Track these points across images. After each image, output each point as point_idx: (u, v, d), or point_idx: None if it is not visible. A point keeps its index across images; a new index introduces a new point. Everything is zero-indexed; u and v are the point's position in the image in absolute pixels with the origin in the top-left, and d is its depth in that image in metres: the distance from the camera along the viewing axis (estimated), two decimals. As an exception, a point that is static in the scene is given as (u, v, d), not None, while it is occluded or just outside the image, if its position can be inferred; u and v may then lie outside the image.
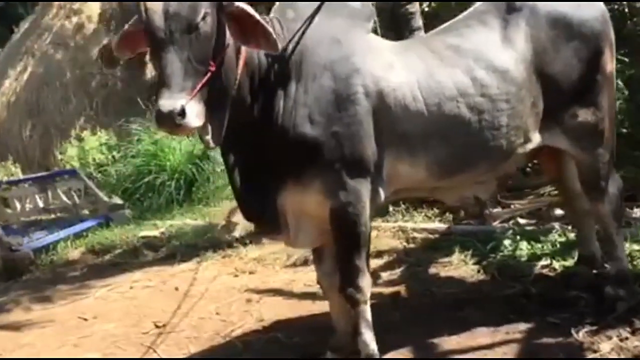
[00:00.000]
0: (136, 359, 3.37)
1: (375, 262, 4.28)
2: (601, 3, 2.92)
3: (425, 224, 4.75)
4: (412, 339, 3.06)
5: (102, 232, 6.28)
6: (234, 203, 6.29)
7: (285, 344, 3.23)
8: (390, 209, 5.01)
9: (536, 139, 2.83)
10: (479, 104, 2.63)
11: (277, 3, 2.70)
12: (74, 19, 10.19)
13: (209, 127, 2.33)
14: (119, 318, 4.00)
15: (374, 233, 4.67)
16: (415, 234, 4.61)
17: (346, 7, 2.68)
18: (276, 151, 2.51)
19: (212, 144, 2.37)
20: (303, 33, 2.54)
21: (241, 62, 2.41)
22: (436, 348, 2.98)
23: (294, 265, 4.50)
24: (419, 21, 4.80)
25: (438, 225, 4.70)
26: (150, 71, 10.03)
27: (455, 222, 4.72)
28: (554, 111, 2.81)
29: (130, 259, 5.49)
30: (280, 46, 2.33)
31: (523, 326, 3.06)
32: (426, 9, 6.26)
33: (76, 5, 10.25)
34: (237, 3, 2.27)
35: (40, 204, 7.01)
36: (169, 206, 6.78)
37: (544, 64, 2.75)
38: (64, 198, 6.88)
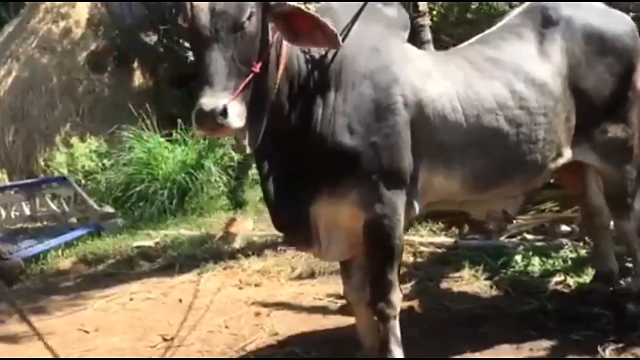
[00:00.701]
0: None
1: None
2: (630, 19, 2.93)
3: (432, 237, 4.71)
4: (433, 355, 3.01)
5: (94, 242, 6.11)
6: (230, 214, 6.30)
7: (303, 358, 3.15)
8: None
9: (567, 154, 2.82)
10: (517, 116, 2.61)
11: (314, 8, 2.64)
12: (61, 23, 9.99)
13: (246, 131, 2.26)
14: (123, 331, 3.86)
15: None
16: (423, 248, 4.57)
17: (383, 15, 2.64)
18: (312, 160, 2.44)
19: (248, 149, 2.30)
20: (343, 40, 2.48)
21: (282, 66, 2.35)
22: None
23: (300, 277, 4.42)
24: (428, 34, 4.80)
25: (445, 239, 4.67)
26: (138, 78, 9.92)
27: (461, 237, 4.69)
28: (586, 126, 2.81)
29: (125, 269, 5.34)
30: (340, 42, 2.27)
31: (546, 343, 3.03)
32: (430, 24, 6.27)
33: (64, 9, 10.07)
34: (288, 2, 2.21)
35: (27, 212, 6.79)
36: (162, 216, 6.64)
37: (578, 78, 2.75)
38: (52, 206, 6.69)
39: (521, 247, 4.10)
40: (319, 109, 2.44)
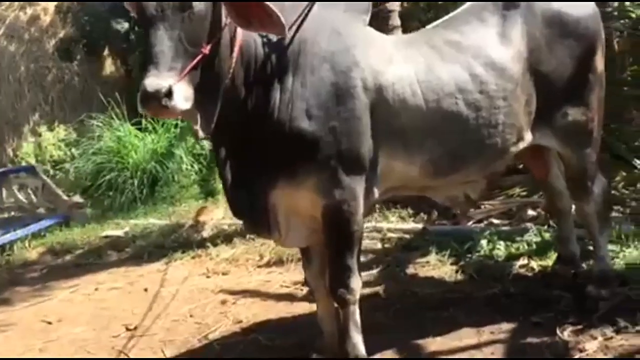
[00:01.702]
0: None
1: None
2: (592, 3, 2.93)
3: (400, 224, 4.72)
4: (397, 340, 3.01)
5: (62, 232, 6.06)
6: (201, 202, 6.25)
7: (266, 345, 3.14)
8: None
9: (528, 137, 2.81)
10: (477, 100, 2.59)
11: None
12: (29, 11, 9.79)
13: (198, 116, 2.21)
14: (87, 321, 3.82)
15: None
16: (391, 234, 4.58)
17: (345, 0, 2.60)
18: (270, 146, 2.40)
19: (200, 134, 2.25)
20: (301, 24, 2.45)
21: (236, 49, 2.30)
22: (422, 349, 2.93)
23: (268, 265, 4.40)
24: (397, 19, 4.79)
25: (413, 225, 4.68)
26: (109, 66, 9.77)
27: (429, 223, 4.70)
28: (546, 110, 2.80)
29: (93, 259, 5.30)
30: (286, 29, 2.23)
31: (507, 326, 3.04)
32: (399, 9, 6.23)
33: (31, -5, 9.87)
34: None
35: (-6, 202, 6.70)
36: (132, 205, 6.59)
37: (539, 62, 2.73)
38: (20, 196, 6.59)
39: (487, 232, 4.10)
40: (277, 94, 2.40)
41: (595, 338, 2.81)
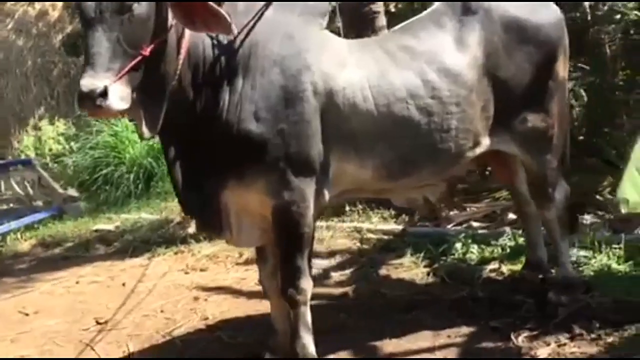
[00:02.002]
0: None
1: (327, 262, 4.27)
2: (557, 9, 2.92)
3: (381, 224, 4.73)
4: (354, 341, 3.03)
5: (55, 225, 6.16)
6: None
7: (228, 343, 3.17)
8: (347, 208, 5.00)
9: (486, 143, 2.81)
10: (429, 106, 2.60)
11: None
12: (37, 5, 9.95)
13: (143, 116, 2.25)
14: (62, 313, 3.89)
15: (329, 233, 4.69)
16: (370, 235, 4.60)
17: (300, 2, 2.63)
18: (219, 147, 2.44)
19: (146, 135, 2.30)
20: (253, 26, 2.48)
21: (183, 52, 2.33)
22: (378, 350, 2.95)
23: (246, 263, 4.42)
24: (382, 20, 4.80)
25: (393, 226, 4.69)
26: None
27: (411, 224, 4.71)
28: (505, 115, 2.80)
29: (81, 252, 5.38)
30: (234, 31, 2.26)
31: (466, 329, 3.04)
32: (392, 9, 6.24)
33: (40, -9, 10.02)
34: None
35: (-6, 194, 6.84)
36: (126, 200, 6.68)
37: (497, 67, 2.74)
38: (17, 189, 6.71)
39: (462, 235, 4.10)
40: (226, 96, 2.43)
41: (549, 344, 2.81)
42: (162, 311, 3.73)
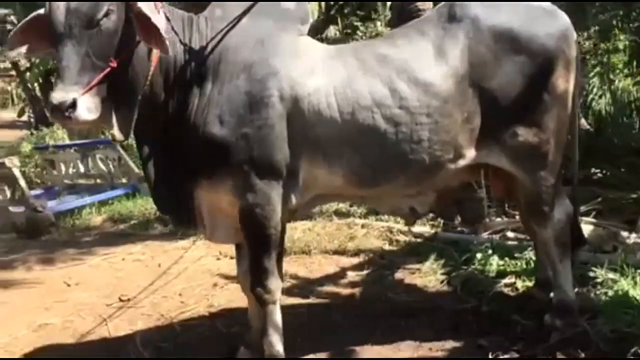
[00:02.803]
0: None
1: (349, 261, 4.30)
2: (564, 19, 2.74)
3: (415, 227, 4.66)
4: (334, 342, 3.06)
5: (127, 202, 6.61)
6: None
7: (220, 332, 3.32)
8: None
9: (470, 155, 2.71)
10: (396, 115, 2.56)
11: (211, 2, 2.72)
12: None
13: (114, 121, 2.41)
14: (97, 288, 4.22)
15: (363, 231, 4.70)
16: (401, 237, 4.55)
17: (278, 8, 2.67)
18: (189, 148, 2.55)
19: (118, 137, 2.45)
20: (226, 33, 2.56)
21: (154, 59, 2.46)
22: (353, 354, 2.96)
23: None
24: (426, 18, 4.67)
25: (426, 229, 4.61)
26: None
27: (446, 229, 4.61)
28: (493, 128, 2.68)
29: (140, 230, 5.76)
30: (169, 48, 2.35)
31: (451, 344, 2.98)
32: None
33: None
34: (138, 3, 2.32)
35: (82, 170, 7.45)
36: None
37: (483, 78, 2.62)
38: (101, 166, 7.26)
39: (485, 245, 3.97)
40: (196, 99, 2.53)
41: (524, 368, 2.70)
42: (180, 294, 3.94)
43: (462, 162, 2.72)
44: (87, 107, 2.24)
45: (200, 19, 2.63)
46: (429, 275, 3.88)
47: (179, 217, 2.74)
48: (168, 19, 2.51)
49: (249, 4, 2.63)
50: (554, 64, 2.66)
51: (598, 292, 3.29)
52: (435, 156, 2.63)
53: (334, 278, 4.00)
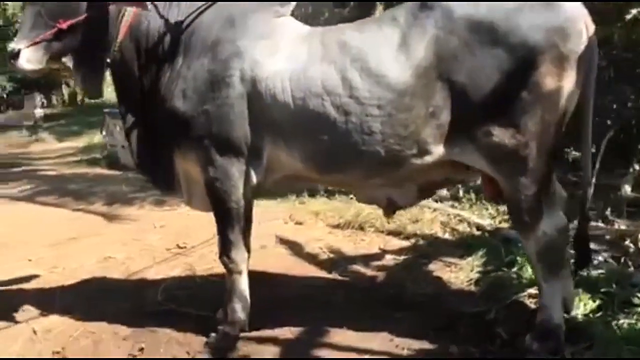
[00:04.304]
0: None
1: (398, 243, 4.25)
2: (568, 11, 2.38)
3: (481, 219, 4.40)
4: (311, 321, 3.10)
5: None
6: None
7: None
8: (461, 195, 4.76)
9: (437, 151, 2.53)
10: (345, 104, 2.48)
11: None
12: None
13: (80, 79, 2.78)
14: (170, 233, 4.70)
15: (431, 215, 4.57)
16: (462, 227, 4.34)
17: None
18: (161, 120, 2.77)
19: (86, 95, 2.81)
20: (202, 11, 2.69)
21: (123, 28, 2.75)
22: (323, 336, 2.96)
23: (337, 227, 4.63)
24: None
25: (491, 222, 4.32)
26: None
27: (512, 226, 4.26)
28: (465, 124, 2.46)
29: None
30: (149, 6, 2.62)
31: (421, 345, 2.86)
32: None
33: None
34: None
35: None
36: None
37: (452, 71, 2.41)
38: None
39: (527, 249, 3.62)
40: (167, 72, 2.73)
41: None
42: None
43: (429, 159, 2.56)
44: (27, 59, 2.67)
45: None
46: (461, 271, 3.69)
47: (157, 180, 2.98)
48: None
49: None
50: (539, 60, 2.34)
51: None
52: (392, 150, 2.52)
53: (370, 258, 3.99)
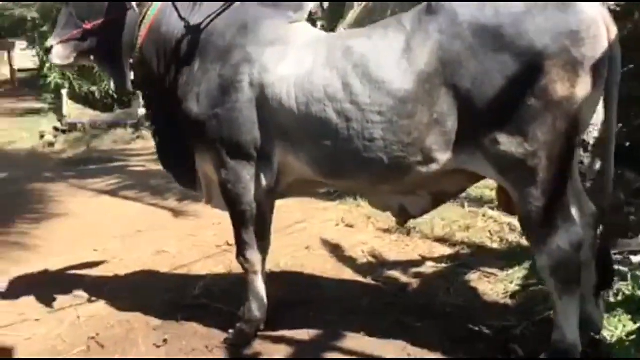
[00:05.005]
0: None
1: (442, 250, 4.15)
2: (584, 13, 2.24)
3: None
4: (325, 324, 3.13)
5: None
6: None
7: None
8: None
9: (443, 159, 2.46)
10: (347, 111, 2.47)
11: None
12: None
13: (109, 75, 3.03)
14: (225, 230, 4.67)
15: (484, 223, 4.44)
16: (512, 237, 4.17)
17: None
18: (179, 121, 2.88)
19: (118, 89, 2.99)
20: (216, 16, 2.79)
21: (144, 30, 2.92)
22: (333, 339, 2.99)
23: (387, 231, 4.58)
24: None
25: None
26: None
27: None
28: (472, 132, 2.38)
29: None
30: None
31: (431, 355, 2.80)
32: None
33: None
34: None
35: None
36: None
37: (458, 77, 2.33)
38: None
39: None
40: (185, 75, 2.84)
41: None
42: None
43: (435, 166, 2.49)
44: (57, 54, 2.96)
45: None
46: (500, 283, 3.55)
47: (178, 176, 3.12)
48: None
49: None
50: (548, 65, 2.22)
51: None
52: (396, 157, 2.48)
53: (409, 265, 3.93)
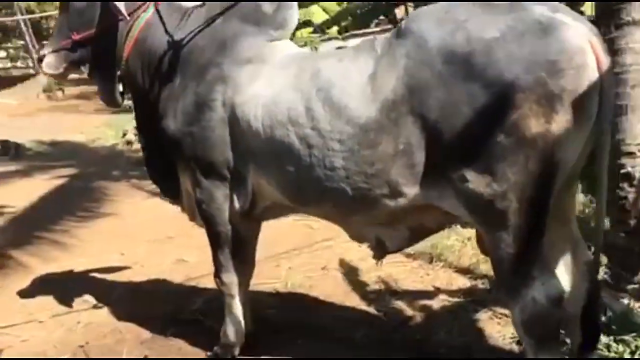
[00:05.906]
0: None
1: (461, 282, 3.88)
2: (567, 40, 1.97)
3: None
4: (317, 355, 3.00)
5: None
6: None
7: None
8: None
9: (411, 193, 2.25)
10: (308, 136, 2.32)
11: None
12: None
13: (98, 87, 3.03)
14: (264, 242, 4.74)
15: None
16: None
17: (254, 12, 2.66)
18: (160, 135, 2.84)
19: (107, 104, 3.03)
20: (199, 32, 2.72)
21: (130, 42, 2.89)
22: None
23: (410, 256, 4.33)
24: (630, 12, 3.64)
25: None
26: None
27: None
28: (441, 166, 2.16)
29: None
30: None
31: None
32: None
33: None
34: None
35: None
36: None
37: (425, 106, 2.10)
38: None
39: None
40: (166, 90, 2.79)
41: None
42: (278, 265, 4.22)
43: (402, 201, 2.29)
44: (47, 63, 2.98)
45: (199, 12, 2.82)
46: (509, 327, 3.21)
47: (163, 188, 3.09)
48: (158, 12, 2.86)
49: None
50: (519, 99, 1.97)
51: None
52: (360, 188, 2.30)
53: (419, 295, 3.68)
